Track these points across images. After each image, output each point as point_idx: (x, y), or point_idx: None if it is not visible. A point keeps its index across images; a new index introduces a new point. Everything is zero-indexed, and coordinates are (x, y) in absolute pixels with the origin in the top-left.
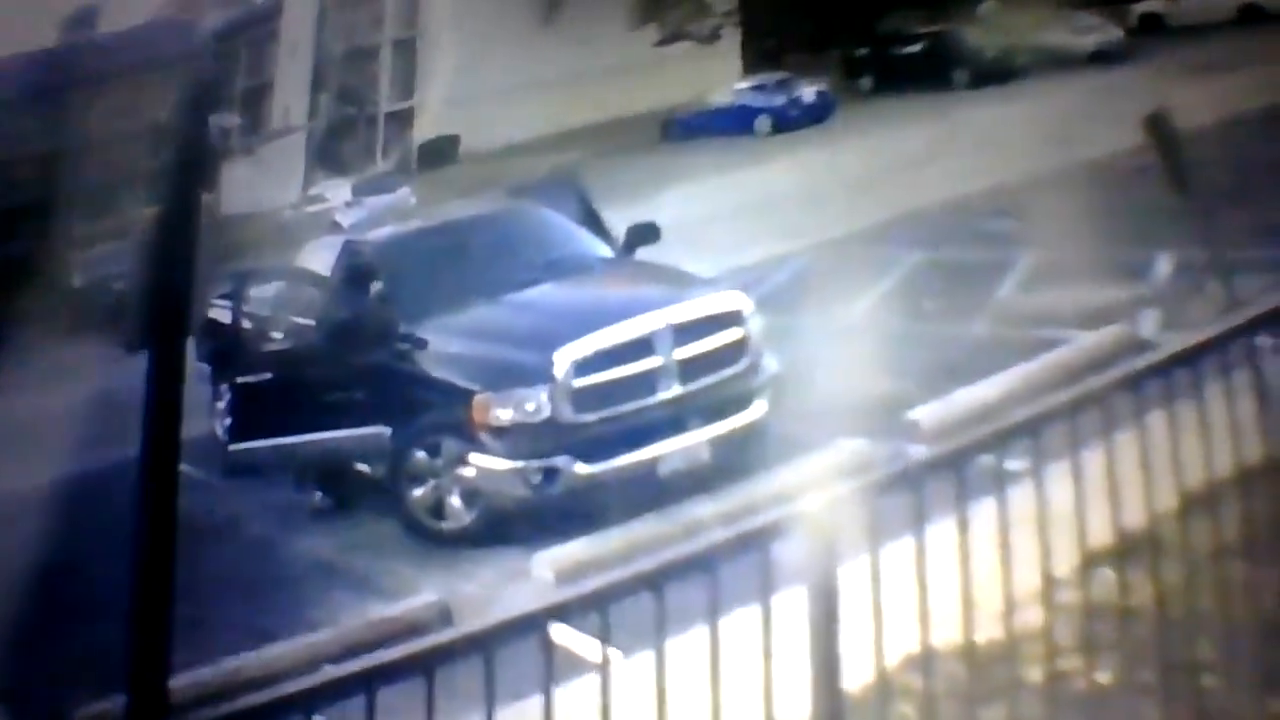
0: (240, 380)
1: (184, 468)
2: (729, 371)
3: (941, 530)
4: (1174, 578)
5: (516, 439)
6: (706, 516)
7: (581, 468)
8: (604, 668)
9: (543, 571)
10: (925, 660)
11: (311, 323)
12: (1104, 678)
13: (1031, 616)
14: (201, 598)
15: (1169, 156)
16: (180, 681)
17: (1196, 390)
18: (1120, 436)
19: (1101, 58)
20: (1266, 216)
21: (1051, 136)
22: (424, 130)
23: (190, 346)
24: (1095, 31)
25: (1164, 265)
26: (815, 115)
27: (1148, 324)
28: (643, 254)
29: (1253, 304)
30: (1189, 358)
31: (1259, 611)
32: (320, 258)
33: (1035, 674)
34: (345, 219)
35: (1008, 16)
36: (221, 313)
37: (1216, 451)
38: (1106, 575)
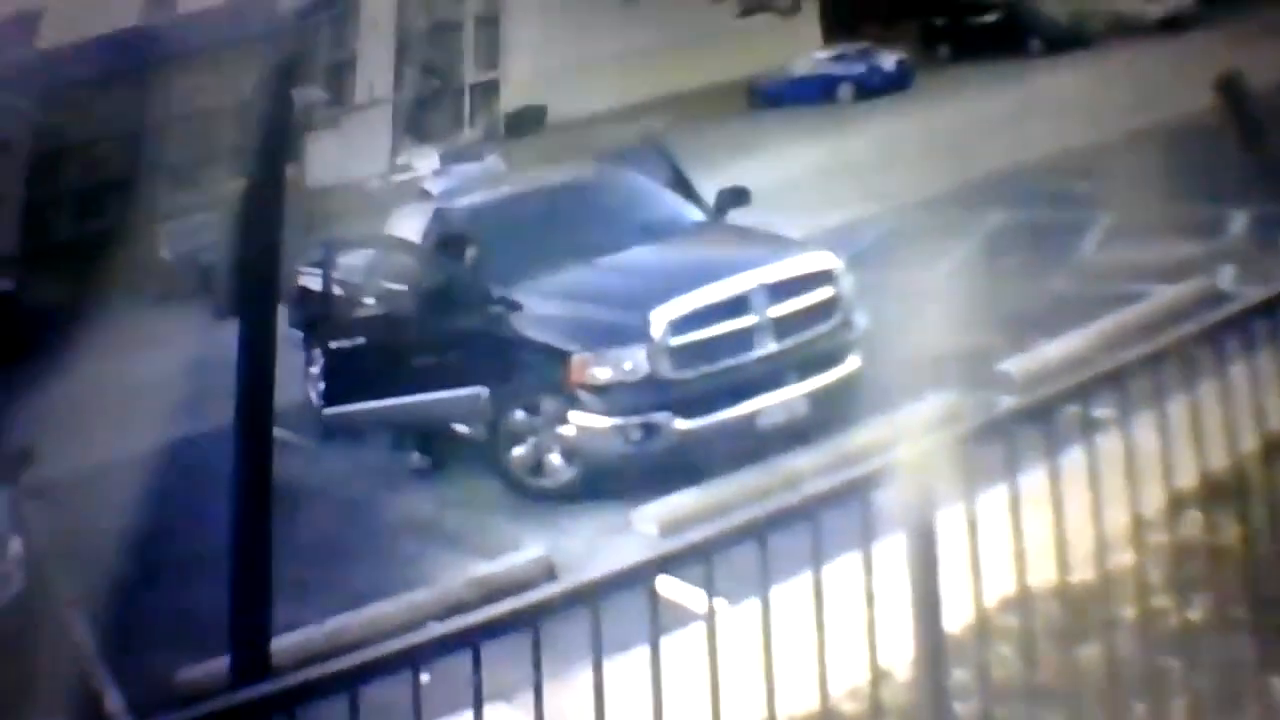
0: (333, 345)
1: (281, 433)
2: (822, 328)
3: (1033, 477)
4: (1259, 518)
5: (615, 397)
6: (805, 468)
7: (681, 423)
8: (710, 617)
9: (645, 525)
10: (1022, 601)
11: (403, 288)
12: (1195, 615)
13: (1123, 558)
14: (301, 560)
15: (1242, 116)
16: (282, 642)
17: (1274, 340)
18: (1202, 386)
19: (1173, 23)
20: None
21: (1125, 100)
22: (510, 101)
23: (282, 314)
24: None
25: (1240, 221)
26: (896, 83)
27: (1226, 277)
28: (733, 217)
29: None
30: (1266, 308)
31: None
32: (409, 225)
33: (1129, 613)
34: (434, 187)
35: None
36: (312, 280)
37: None
38: (1194, 516)
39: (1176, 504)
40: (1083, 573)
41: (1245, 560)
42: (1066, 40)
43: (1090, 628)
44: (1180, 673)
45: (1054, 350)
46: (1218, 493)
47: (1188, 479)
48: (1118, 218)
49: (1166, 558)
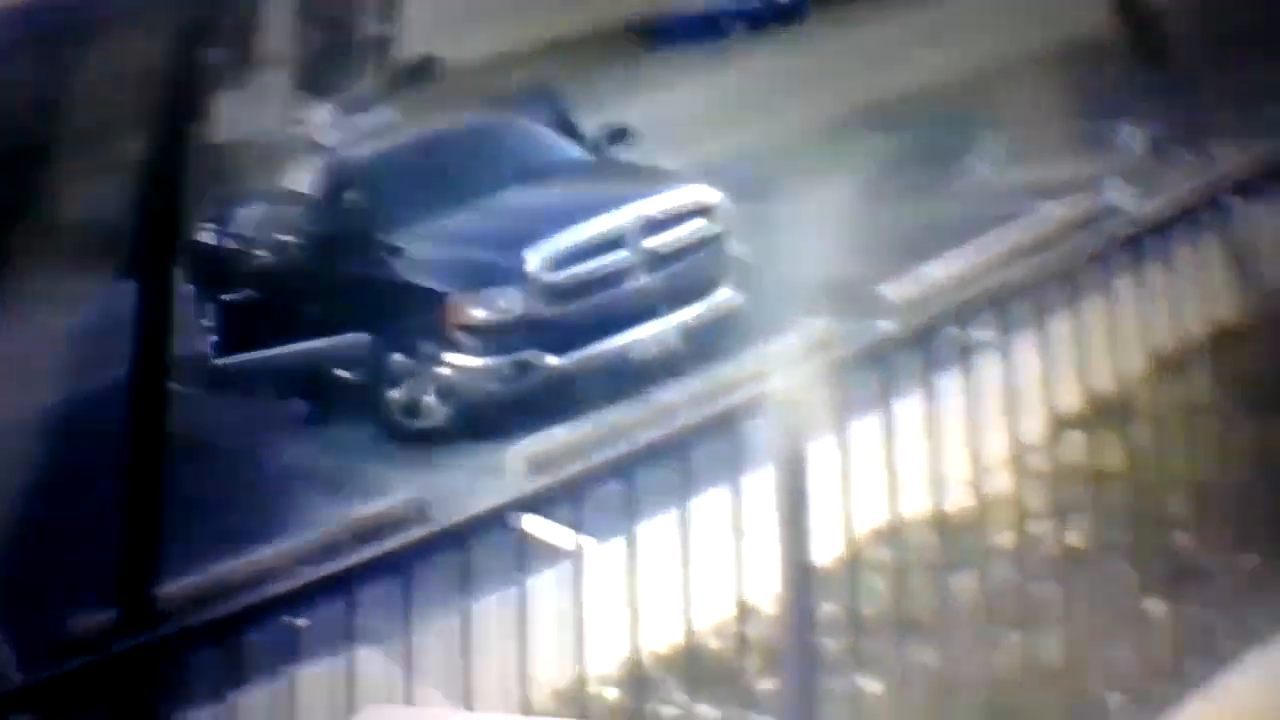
0: (226, 298)
1: (173, 385)
2: (698, 258)
3: (911, 404)
4: (1144, 440)
5: (489, 337)
6: (677, 401)
7: (553, 359)
8: (577, 556)
9: (516, 464)
10: (894, 532)
11: (294, 239)
12: (1075, 540)
13: (1002, 483)
14: (189, 509)
15: (1141, 27)
16: (168, 590)
17: (1166, 256)
18: (1088, 304)
19: None
20: (1243, 77)
21: (1025, 16)
22: (406, 51)
23: (179, 271)
24: None
25: (1136, 135)
26: (790, 14)
27: (1117, 193)
28: (618, 155)
29: (1222, 166)
30: (1160, 224)
31: (1229, 468)
32: (303, 178)
33: (1006, 540)
34: (328, 139)
35: None
36: (208, 235)
37: (1186, 314)
38: (1076, 439)
39: (1058, 427)
40: (959, 501)
41: (1127, 482)
42: None
43: (965, 557)
44: (1058, 600)
45: (934, 272)
46: (1101, 415)
47: (1071, 402)
48: (1011, 138)
49: (1046, 482)
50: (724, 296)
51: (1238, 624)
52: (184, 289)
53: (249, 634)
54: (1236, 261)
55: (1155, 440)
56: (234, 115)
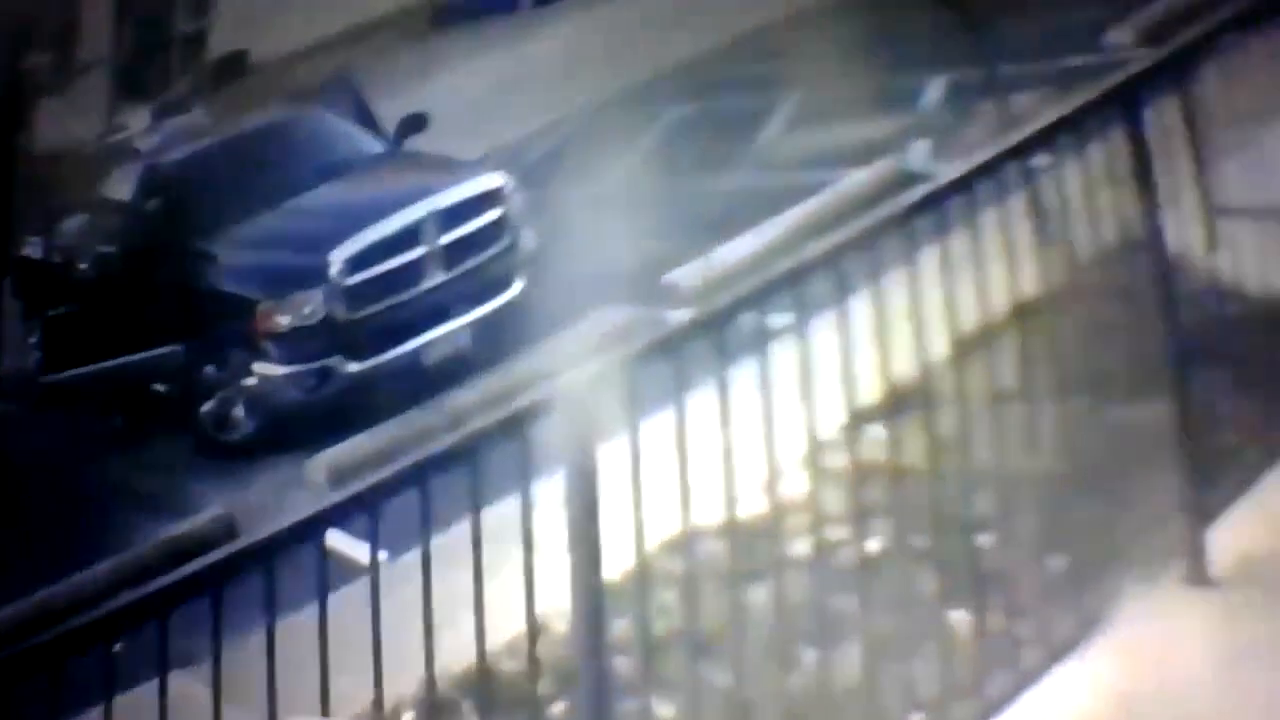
0: (50, 313)
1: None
2: (491, 252)
3: (705, 397)
4: (948, 429)
5: (294, 344)
6: (469, 403)
7: (352, 365)
8: (373, 570)
9: (316, 476)
10: (685, 541)
11: (113, 250)
12: (874, 545)
13: (798, 484)
14: (13, 532)
15: None
16: None
17: (970, 221)
18: (890, 279)
19: None
20: (1044, 25)
21: None
22: (217, 47)
23: (6, 286)
24: None
25: (935, 89)
26: None
27: (918, 155)
28: (413, 144)
29: (1028, 122)
30: (960, 186)
31: (1037, 462)
32: (123, 186)
33: (802, 547)
34: (144, 144)
35: None
36: (33, 249)
37: (992, 287)
38: (876, 433)
39: (858, 419)
40: (754, 505)
41: (929, 480)
42: None
43: (760, 567)
44: (855, 612)
45: (728, 254)
46: (903, 404)
47: (872, 390)
48: (805, 98)
49: (845, 482)
50: (514, 290)
51: (1043, 634)
52: (11, 304)
53: (69, 661)
54: (1042, 226)
55: (959, 430)
56: (55, 123)
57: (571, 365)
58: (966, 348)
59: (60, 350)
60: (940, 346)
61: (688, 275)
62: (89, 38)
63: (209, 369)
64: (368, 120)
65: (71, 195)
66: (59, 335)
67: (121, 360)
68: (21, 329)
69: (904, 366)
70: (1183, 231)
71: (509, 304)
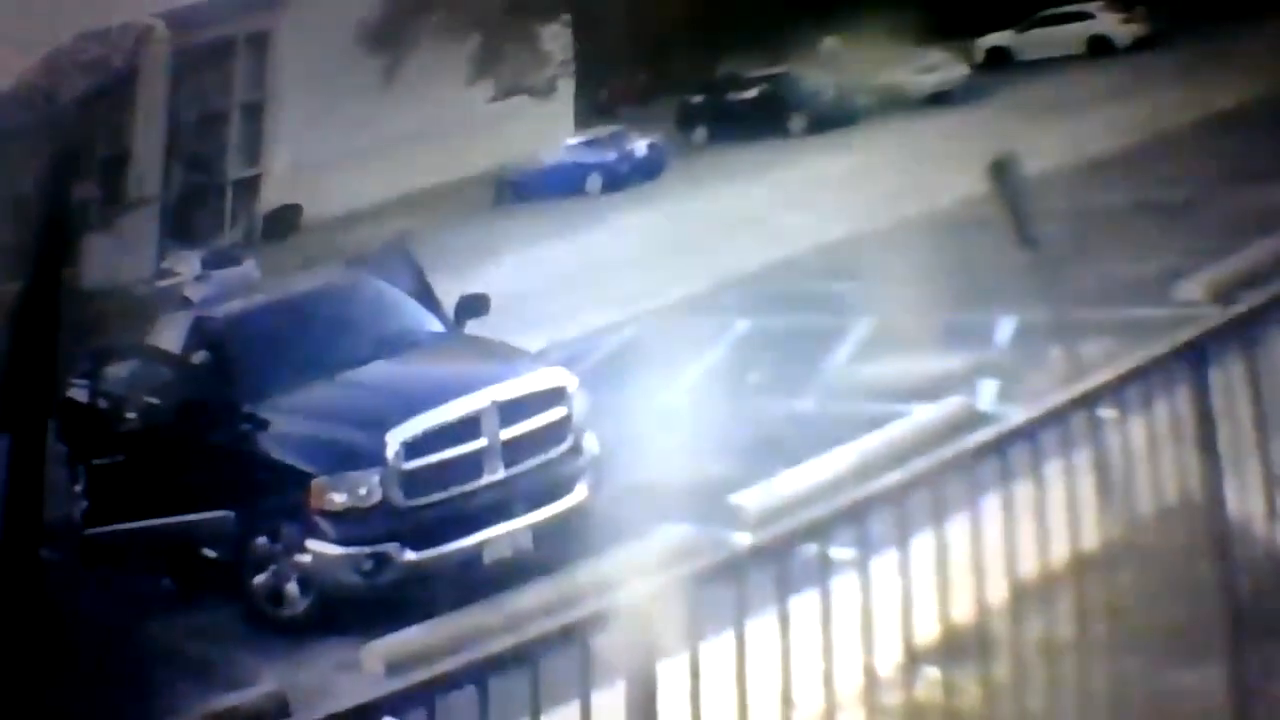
0: (95, 462)
1: (46, 553)
2: (552, 453)
3: (765, 622)
4: (1002, 676)
5: (349, 524)
6: (528, 607)
7: (410, 555)
8: None
9: (373, 663)
10: None
11: (161, 402)
12: None
13: (854, 718)
14: (56, 687)
15: (1014, 207)
16: None
17: (1035, 468)
18: (952, 520)
19: (946, 97)
20: (1116, 272)
21: (892, 186)
22: (270, 198)
23: (52, 427)
24: (939, 69)
25: (1006, 329)
26: (647, 171)
27: (986, 395)
28: (473, 326)
29: (1095, 372)
30: (1026, 433)
31: (1089, 712)
32: (171, 335)
33: None
34: (194, 293)
35: (849, 55)
36: (79, 392)
37: (1053, 537)
38: (932, 675)
39: (914, 658)
40: None
41: None
42: (832, 118)
43: None
44: None
45: (793, 481)
46: (959, 646)
47: (928, 629)
48: (876, 324)
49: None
50: (577, 495)
51: None
52: (56, 448)
53: None
54: (1103, 480)
55: (1013, 677)
56: (103, 260)
57: (634, 579)
58: (1025, 595)
59: (106, 501)
60: (999, 591)
61: (752, 499)
62: (139, 174)
63: (261, 540)
64: (427, 295)
65: (118, 338)
66: (105, 486)
67: (169, 520)
68: (67, 475)
69: (962, 608)
70: (1244, 497)
71: (571, 510)
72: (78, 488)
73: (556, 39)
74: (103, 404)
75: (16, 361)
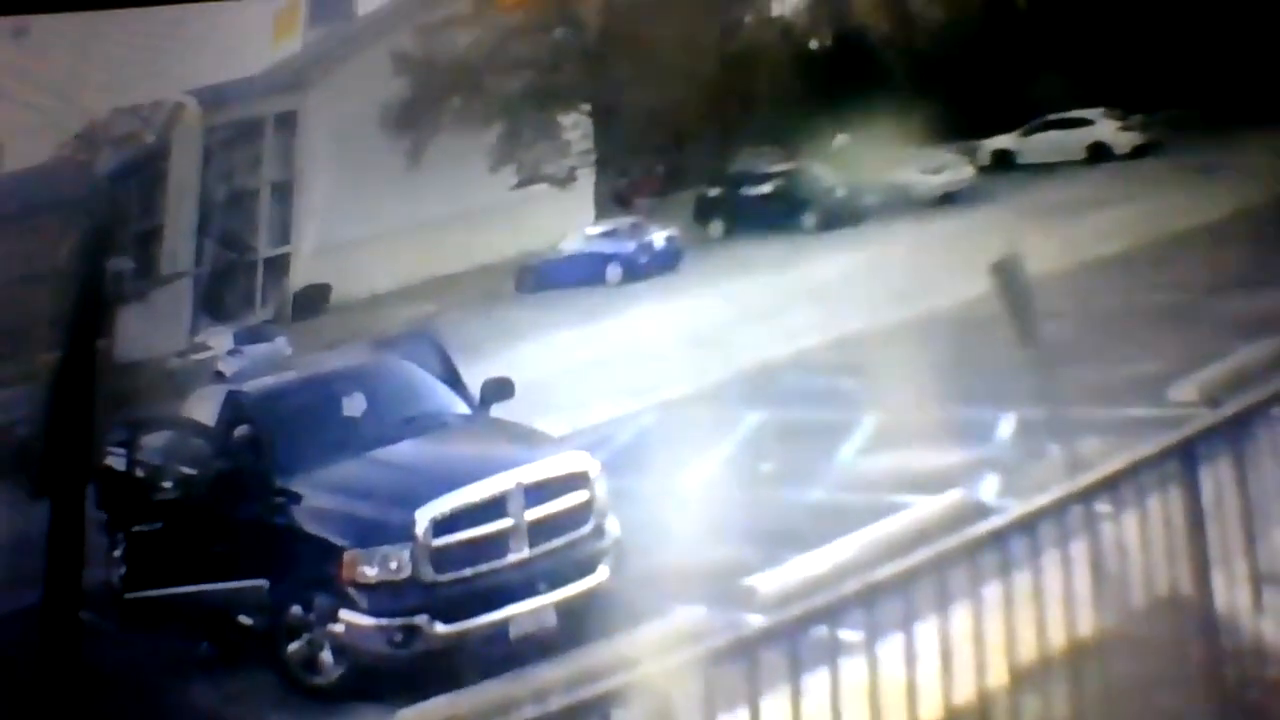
0: (134, 529)
1: (86, 616)
2: (575, 534)
3: (777, 700)
4: None
5: (381, 596)
6: (553, 680)
7: (439, 627)
8: None
9: None
10: None
11: (196, 473)
12: None
13: None
14: None
15: (1017, 306)
16: None
17: (1033, 559)
18: (955, 606)
19: (952, 197)
20: (1113, 372)
21: (899, 284)
22: (299, 277)
23: (90, 495)
24: (946, 170)
25: (1007, 425)
26: (665, 262)
27: (987, 488)
28: (497, 410)
29: (1092, 469)
30: (1025, 525)
31: None
32: (205, 407)
33: None
34: (227, 368)
35: (859, 152)
36: (116, 460)
37: (1050, 626)
38: None
39: None
40: None
41: None
42: (842, 214)
43: None
44: None
45: (804, 567)
46: None
47: (932, 709)
48: (882, 419)
49: None
50: (599, 576)
51: None
52: (95, 515)
53: None
54: (1098, 571)
55: None
56: (137, 332)
57: (653, 657)
58: (1023, 679)
59: (144, 567)
60: (999, 675)
61: (765, 583)
62: (172, 249)
63: (296, 608)
64: (452, 378)
65: (152, 409)
66: (142, 552)
67: (206, 587)
68: (106, 541)
69: (964, 690)
70: (1232, 592)
71: (593, 589)
72: (116, 553)
73: (577, 128)
74: (139, 473)
75: (55, 429)
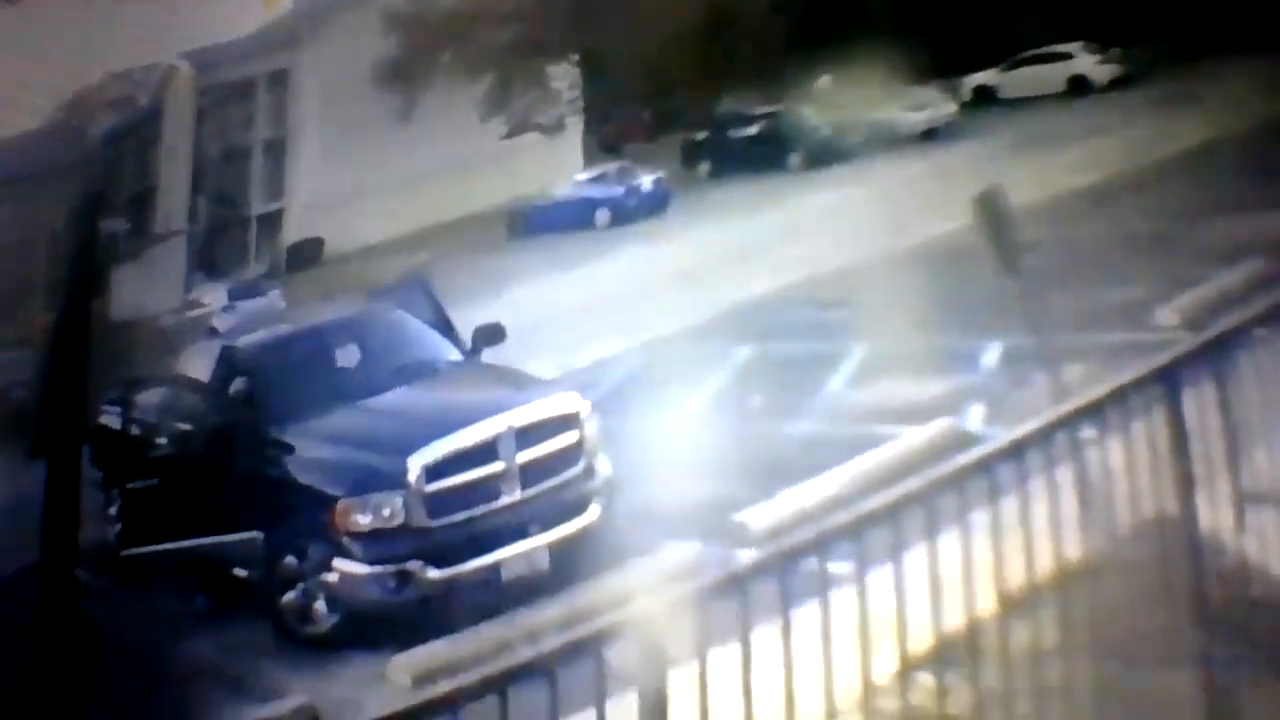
0: (129, 486)
1: (82, 574)
2: (567, 475)
3: (769, 633)
4: (992, 681)
5: (374, 544)
6: (546, 621)
7: (433, 572)
8: None
9: (399, 676)
10: None
11: (191, 428)
12: None
13: None
14: (93, 703)
15: (999, 237)
16: None
17: (1020, 486)
18: (943, 535)
19: (935, 134)
20: (1096, 299)
21: (884, 220)
22: (292, 232)
23: (86, 454)
24: (929, 107)
25: (993, 353)
26: (653, 205)
27: (974, 417)
28: (489, 355)
29: (1077, 394)
30: (1012, 452)
31: (1074, 714)
32: (199, 364)
33: None
34: (221, 324)
35: (842, 93)
36: (111, 419)
37: (1038, 551)
38: (926, 680)
39: (909, 666)
40: None
41: None
42: (827, 154)
43: None
44: None
45: (793, 500)
46: (951, 655)
47: (922, 638)
48: (870, 350)
49: None
50: (590, 515)
51: None
52: (91, 473)
53: None
54: (1084, 496)
55: (1002, 683)
56: (132, 291)
57: (645, 594)
58: (1012, 605)
59: (139, 524)
60: (988, 602)
61: (755, 517)
62: (166, 209)
63: (290, 559)
64: (444, 326)
65: (147, 366)
66: (138, 509)
67: (200, 541)
68: (102, 499)
69: (953, 619)
70: (1215, 512)
71: (585, 529)
72: (112, 511)
73: (565, 78)
74: (134, 430)
75: (51, 389)
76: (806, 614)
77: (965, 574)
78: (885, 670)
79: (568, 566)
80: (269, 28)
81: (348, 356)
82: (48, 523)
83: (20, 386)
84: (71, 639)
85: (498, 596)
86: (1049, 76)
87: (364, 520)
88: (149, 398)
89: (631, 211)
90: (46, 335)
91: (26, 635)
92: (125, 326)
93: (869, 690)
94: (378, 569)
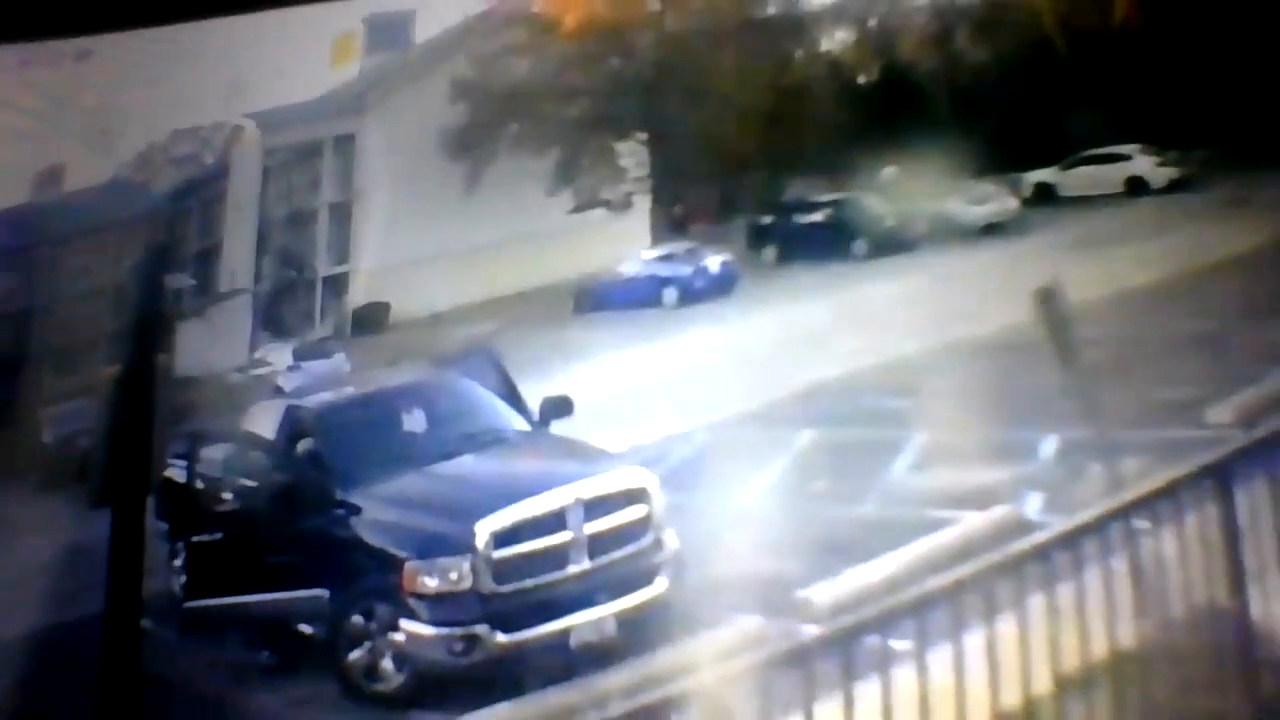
0: (194, 539)
1: (147, 623)
2: (634, 547)
3: (830, 707)
4: None
5: (441, 607)
6: (613, 689)
7: (500, 637)
8: None
9: None
10: None
11: (256, 485)
12: None
13: None
14: None
15: (1058, 332)
16: None
17: (1076, 573)
18: (1002, 617)
19: (996, 228)
20: (1151, 395)
21: (945, 311)
22: (358, 295)
23: (151, 505)
24: (990, 201)
25: (1050, 446)
26: (720, 287)
27: (1032, 505)
28: (556, 427)
29: (1132, 486)
30: (1068, 540)
31: None
32: (265, 421)
33: None
34: (287, 383)
35: (907, 184)
36: (176, 472)
37: (1093, 636)
38: None
39: None
40: None
41: None
42: (891, 243)
43: None
44: None
45: (857, 579)
46: None
47: (981, 715)
48: (930, 438)
49: None
50: (659, 588)
51: None
52: (157, 525)
53: None
54: (1139, 585)
55: None
56: (197, 348)
57: (710, 665)
58: (1067, 688)
59: (204, 577)
60: (1044, 684)
61: (819, 594)
62: (231, 267)
63: (356, 618)
64: (512, 396)
65: (212, 423)
66: (203, 562)
67: (267, 597)
68: (167, 550)
69: (1010, 698)
70: (1267, 603)
71: (652, 600)
72: (177, 563)
73: (632, 155)
74: (200, 484)
75: (116, 440)
76: (868, 689)
77: (1023, 655)
78: None
79: (635, 636)
80: (336, 92)
81: (415, 422)
82: (113, 572)
83: (84, 435)
84: (136, 688)
85: (566, 663)
86: (1107, 176)
87: (431, 583)
88: (214, 452)
89: (699, 292)
90: (112, 385)
91: (89, 683)
92: (190, 382)
93: None
94: (444, 631)
